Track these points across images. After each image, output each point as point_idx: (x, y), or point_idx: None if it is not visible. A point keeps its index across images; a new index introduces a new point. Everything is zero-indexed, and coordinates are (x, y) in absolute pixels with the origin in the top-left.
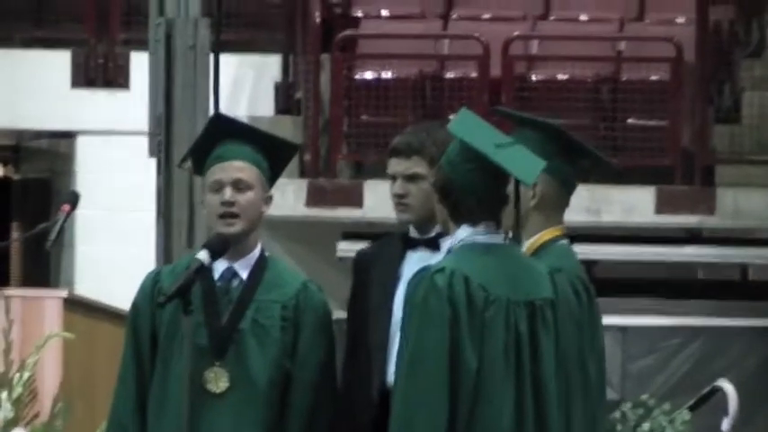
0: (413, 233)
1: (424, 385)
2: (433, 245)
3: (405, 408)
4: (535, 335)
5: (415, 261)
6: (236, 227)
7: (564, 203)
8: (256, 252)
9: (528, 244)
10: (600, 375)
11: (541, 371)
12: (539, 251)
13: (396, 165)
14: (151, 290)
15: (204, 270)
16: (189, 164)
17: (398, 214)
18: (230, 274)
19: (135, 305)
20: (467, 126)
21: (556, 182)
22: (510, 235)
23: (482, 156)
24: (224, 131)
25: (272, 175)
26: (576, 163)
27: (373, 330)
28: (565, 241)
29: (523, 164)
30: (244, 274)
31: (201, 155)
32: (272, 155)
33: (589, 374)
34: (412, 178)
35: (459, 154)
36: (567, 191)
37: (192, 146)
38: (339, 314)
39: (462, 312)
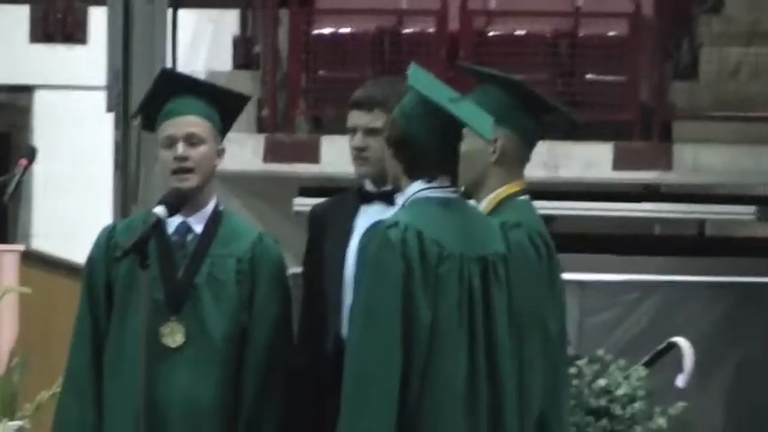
0: (369, 187)
1: (378, 339)
2: (389, 199)
3: (359, 361)
4: (488, 290)
5: (369, 214)
6: (191, 181)
7: (524, 159)
8: (210, 206)
9: (488, 199)
10: (561, 329)
11: (494, 325)
12: (499, 206)
13: (356, 117)
14: (106, 244)
15: (160, 225)
16: (137, 120)
17: (357, 168)
18: (185, 228)
19: (90, 260)
20: (424, 81)
21: (516, 137)
22: (463, 189)
23: (441, 110)
24: (173, 87)
25: (223, 128)
26: (537, 118)
27: (327, 284)
28: (525, 197)
29: (480, 119)
30: (198, 229)
31: (151, 111)
32: (223, 107)
33: (549, 328)
34: (372, 132)
35: (416, 107)
36: (528, 146)
37: (141, 102)
38: (296, 269)
39: (416, 267)
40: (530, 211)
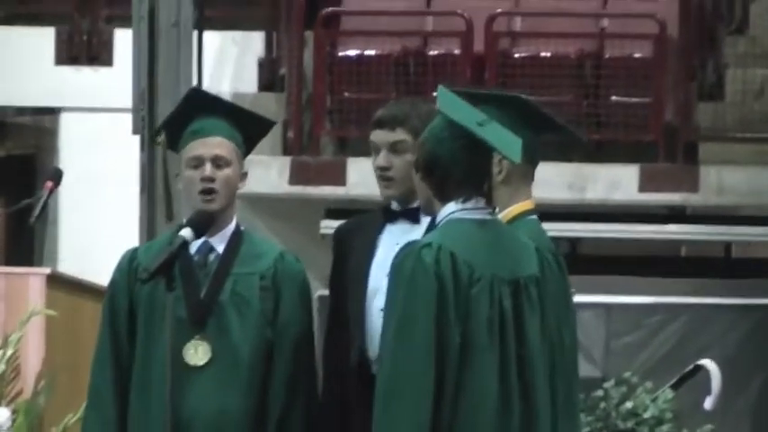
0: (394, 206)
1: (411, 355)
2: (413, 216)
3: (391, 379)
4: (520, 312)
5: (393, 232)
6: (216, 203)
7: (530, 177)
8: (232, 226)
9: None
10: (574, 348)
11: (526, 347)
12: (509, 225)
13: (380, 135)
14: (128, 267)
15: (186, 246)
16: (162, 138)
17: (383, 190)
18: (207, 248)
19: (112, 283)
20: (452, 103)
21: (521, 155)
22: (497, 210)
23: (469, 132)
24: (201, 106)
25: (245, 151)
26: (539, 134)
27: (351, 298)
28: (534, 216)
29: (508, 141)
30: (220, 248)
31: (177, 129)
32: (248, 130)
33: (564, 346)
34: (396, 149)
35: (445, 130)
36: (533, 164)
37: (166, 119)
38: (322, 291)
39: (448, 288)
40: (540, 231)
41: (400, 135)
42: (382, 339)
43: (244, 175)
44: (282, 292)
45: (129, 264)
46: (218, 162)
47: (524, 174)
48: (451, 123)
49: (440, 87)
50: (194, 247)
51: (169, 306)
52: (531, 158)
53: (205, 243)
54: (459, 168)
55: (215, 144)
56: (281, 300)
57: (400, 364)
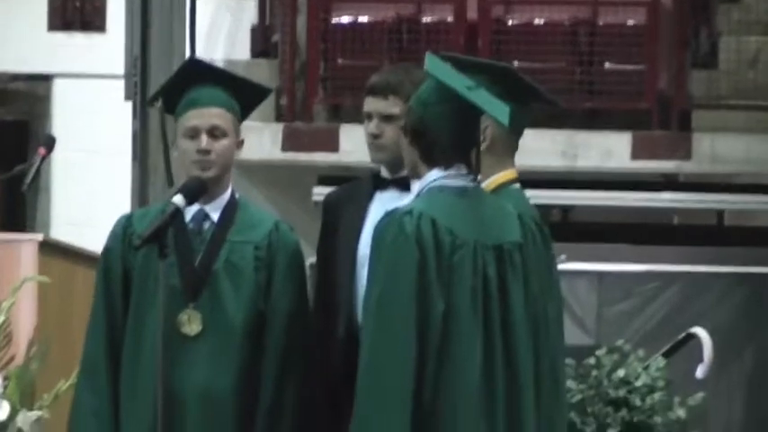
0: (384, 173)
1: (393, 327)
2: (403, 185)
3: (373, 349)
4: (504, 279)
5: (383, 201)
6: (211, 171)
7: (514, 146)
8: (227, 194)
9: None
10: (559, 315)
11: (510, 314)
12: (493, 194)
13: (372, 104)
14: (123, 234)
15: (179, 213)
16: (159, 103)
17: (372, 154)
18: (201, 216)
19: (106, 249)
20: (441, 69)
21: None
22: (480, 177)
23: (459, 97)
24: (199, 76)
25: (242, 118)
26: (523, 103)
27: (340, 269)
28: (517, 185)
29: (497, 106)
30: (215, 216)
31: (174, 96)
32: (245, 99)
33: (548, 315)
34: (388, 118)
35: (434, 94)
36: (517, 134)
37: (164, 86)
38: (313, 259)
39: (430, 256)
40: (523, 199)
41: (393, 104)
42: (364, 309)
43: (240, 143)
44: (276, 263)
45: (124, 230)
46: (214, 132)
47: (508, 143)
48: (439, 88)
49: (428, 54)
50: (189, 214)
51: (162, 274)
52: (516, 128)
53: (200, 211)
54: (446, 132)
55: (212, 114)
56: (274, 271)
57: (382, 334)
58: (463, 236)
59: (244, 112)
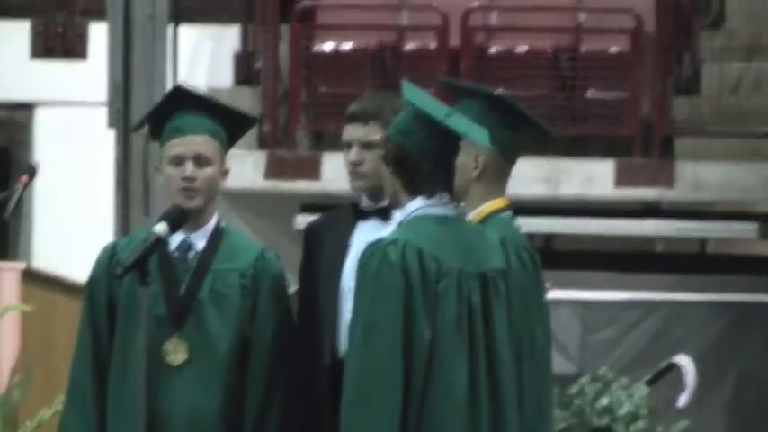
0: (365, 203)
1: (379, 355)
2: (385, 215)
3: (359, 377)
4: (488, 305)
5: (365, 231)
6: (196, 201)
7: (506, 174)
8: (212, 223)
9: (471, 216)
10: (546, 343)
11: (494, 341)
12: (482, 223)
13: (352, 131)
14: (107, 262)
15: (161, 242)
16: (144, 130)
17: (353, 182)
18: (186, 245)
19: (91, 278)
20: (418, 97)
21: (497, 152)
22: (462, 205)
23: (437, 124)
24: (185, 103)
25: (227, 147)
26: (517, 132)
27: (324, 299)
28: (507, 213)
29: (473, 128)
30: (200, 245)
31: (159, 122)
32: (231, 127)
33: (537, 343)
34: (368, 145)
35: (412, 123)
36: (509, 161)
37: (149, 113)
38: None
39: (416, 284)
40: (511, 227)
41: (372, 131)
42: (350, 337)
43: (225, 172)
44: (262, 291)
45: (109, 259)
46: (199, 161)
47: (500, 171)
48: (417, 116)
49: (404, 81)
50: (174, 243)
51: (144, 302)
52: (509, 156)
53: (185, 240)
54: (427, 161)
55: (197, 142)
56: (259, 298)
57: (368, 363)
58: (448, 264)
59: (230, 142)
